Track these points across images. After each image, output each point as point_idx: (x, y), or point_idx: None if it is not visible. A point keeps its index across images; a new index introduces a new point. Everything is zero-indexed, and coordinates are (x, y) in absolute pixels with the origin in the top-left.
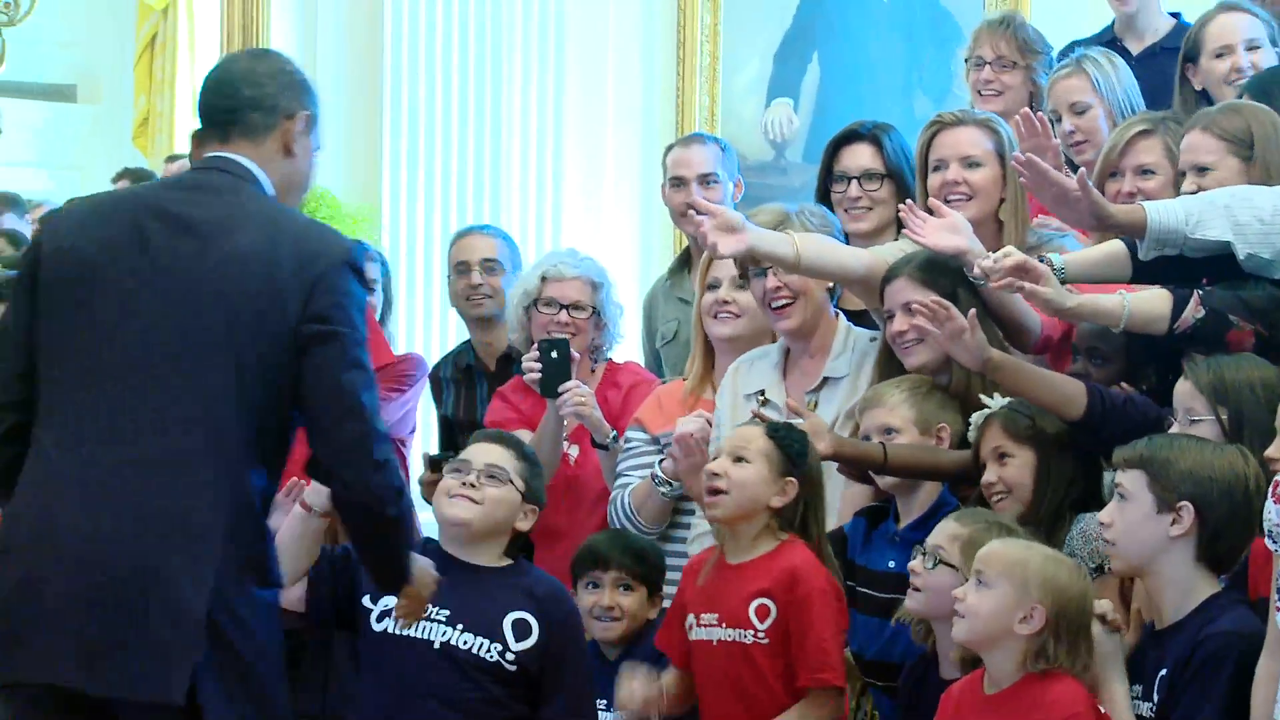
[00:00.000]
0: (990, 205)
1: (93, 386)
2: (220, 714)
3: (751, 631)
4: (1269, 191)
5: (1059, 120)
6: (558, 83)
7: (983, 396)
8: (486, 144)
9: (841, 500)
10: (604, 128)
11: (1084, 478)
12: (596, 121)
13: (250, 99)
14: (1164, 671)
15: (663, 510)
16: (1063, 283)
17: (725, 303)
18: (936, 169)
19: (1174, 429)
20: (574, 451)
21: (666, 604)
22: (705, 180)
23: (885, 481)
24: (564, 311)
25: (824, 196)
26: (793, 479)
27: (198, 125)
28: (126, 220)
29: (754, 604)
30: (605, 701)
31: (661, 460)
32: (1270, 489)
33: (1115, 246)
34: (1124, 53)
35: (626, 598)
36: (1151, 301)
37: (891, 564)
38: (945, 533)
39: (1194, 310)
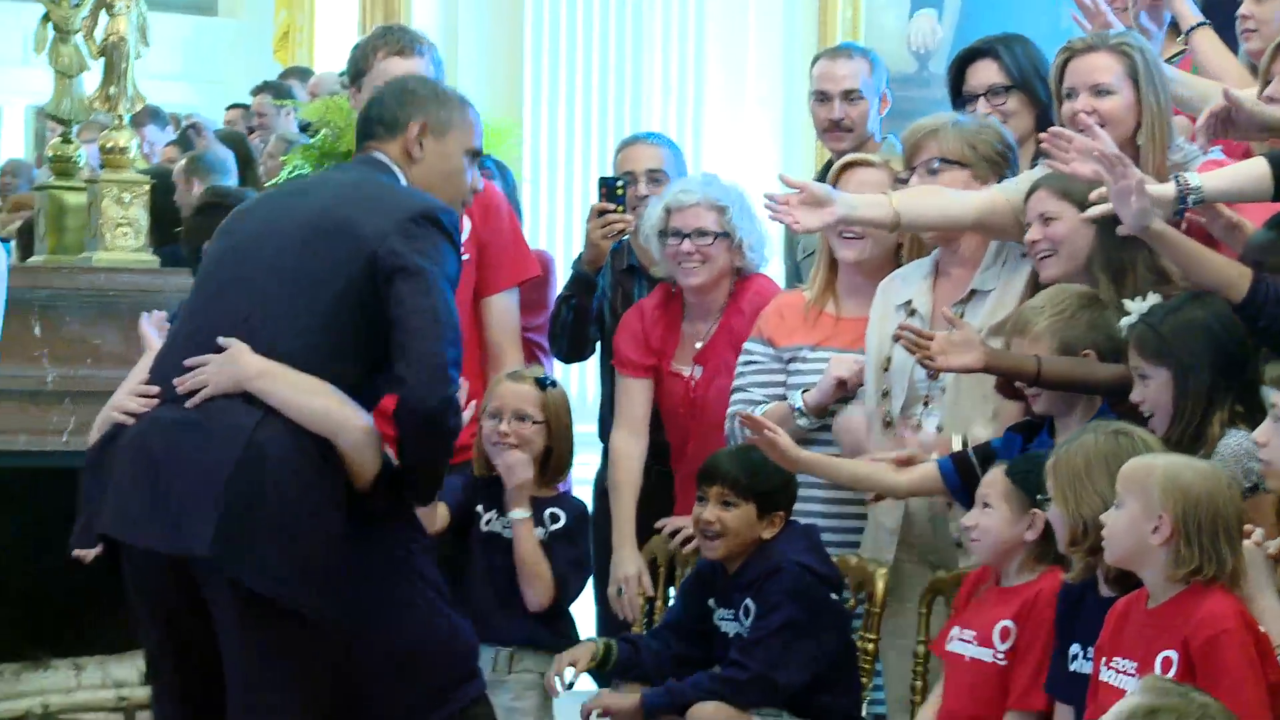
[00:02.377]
0: (1124, 132)
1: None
2: (239, 567)
3: (993, 651)
4: None
5: None
6: None
7: (1125, 302)
8: (627, 57)
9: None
10: (745, 39)
11: (1232, 393)
12: (737, 33)
13: (374, 116)
14: None
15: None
16: (1198, 203)
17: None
18: (1068, 96)
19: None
20: (697, 372)
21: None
22: (848, 96)
23: (1040, 404)
24: (687, 240)
25: None
26: (1038, 511)
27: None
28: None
29: (999, 625)
30: (731, 612)
31: (804, 390)
32: None
33: (1257, 164)
34: None
35: (728, 513)
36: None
37: None
38: (1046, 466)
39: None
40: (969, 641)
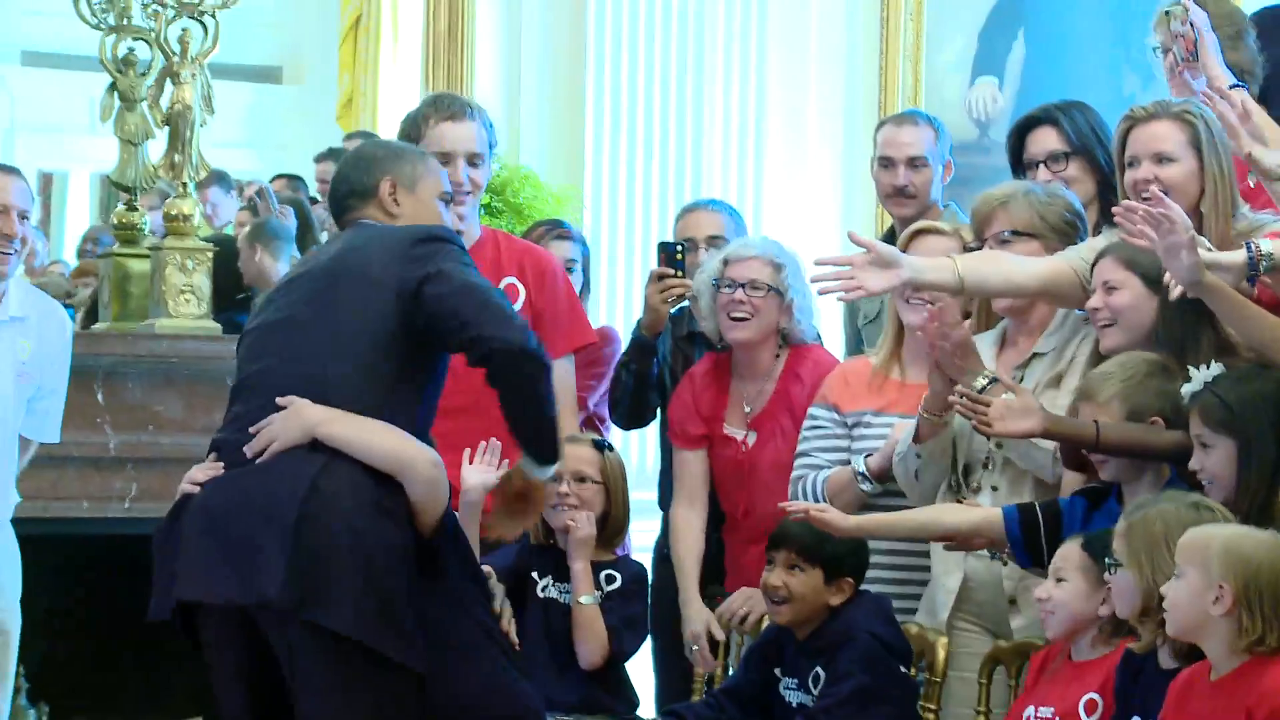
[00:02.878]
0: (1188, 200)
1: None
2: (312, 608)
3: None
4: None
5: None
6: (760, 60)
7: (1190, 369)
8: (689, 123)
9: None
10: (806, 106)
11: None
12: (798, 100)
13: (344, 194)
14: None
15: (858, 502)
16: (1270, 270)
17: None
18: (1131, 165)
19: None
20: (750, 438)
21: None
22: (913, 163)
23: (1107, 471)
24: (740, 290)
25: None
26: (1109, 586)
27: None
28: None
29: (1084, 698)
30: (795, 680)
31: (867, 456)
32: None
33: None
34: None
35: (794, 578)
36: None
37: None
38: (1117, 529)
39: None
40: (1049, 719)
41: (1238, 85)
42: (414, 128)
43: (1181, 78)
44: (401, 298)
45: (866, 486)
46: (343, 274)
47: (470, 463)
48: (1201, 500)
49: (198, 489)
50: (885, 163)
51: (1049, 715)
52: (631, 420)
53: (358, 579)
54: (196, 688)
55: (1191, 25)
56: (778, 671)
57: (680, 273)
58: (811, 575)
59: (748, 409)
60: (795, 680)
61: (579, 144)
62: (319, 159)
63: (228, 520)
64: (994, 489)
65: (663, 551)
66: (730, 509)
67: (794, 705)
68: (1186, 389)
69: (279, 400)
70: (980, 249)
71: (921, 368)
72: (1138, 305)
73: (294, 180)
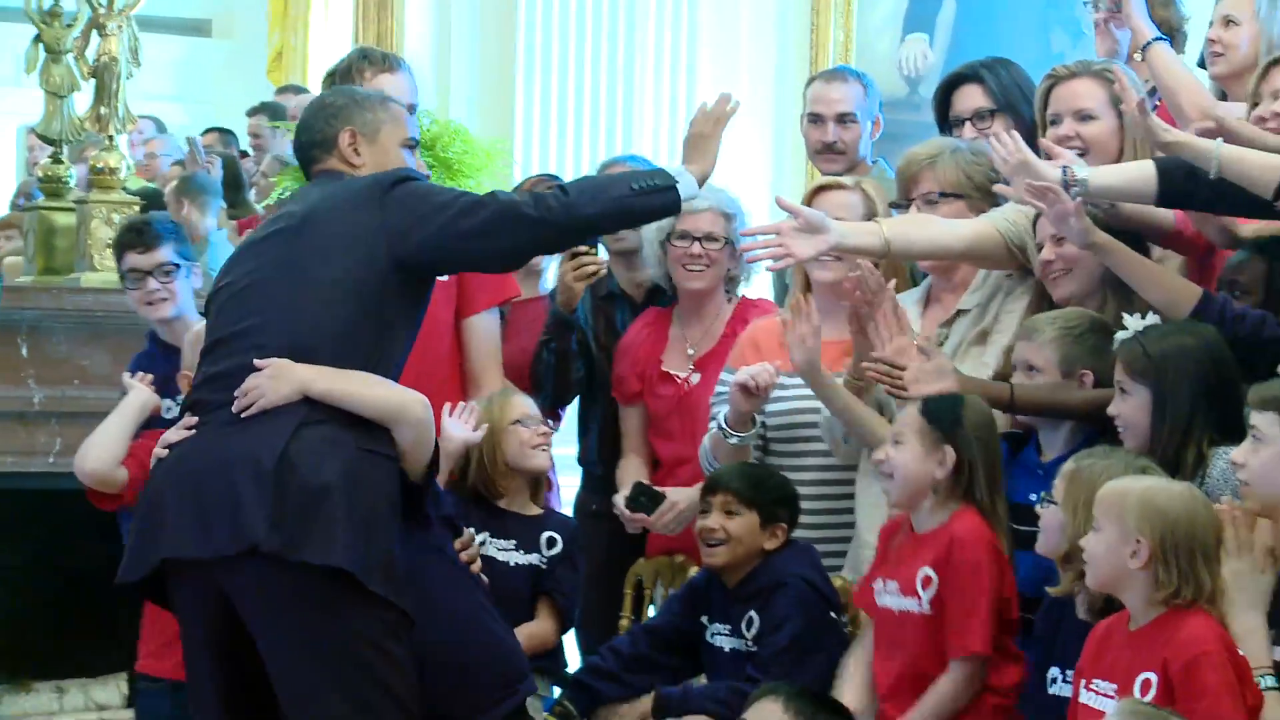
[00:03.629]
0: (1107, 157)
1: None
2: (296, 546)
3: (917, 601)
4: None
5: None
6: (691, 15)
7: (1124, 316)
8: (619, 78)
9: None
10: (738, 63)
11: (1211, 422)
12: (730, 57)
13: (306, 143)
14: None
15: (737, 455)
16: (1081, 195)
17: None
18: (1053, 123)
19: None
20: (695, 378)
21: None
22: (842, 119)
23: (1025, 417)
24: (697, 244)
25: None
26: (949, 448)
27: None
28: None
29: (920, 574)
30: (729, 627)
31: (724, 410)
32: None
33: (1144, 165)
34: None
35: (731, 521)
36: (1263, 163)
37: (1034, 497)
38: (1062, 470)
39: None
40: (893, 594)
41: (1160, 39)
42: (345, 80)
43: (1106, 28)
44: (383, 249)
45: (733, 440)
46: (316, 231)
47: (450, 416)
48: (1150, 465)
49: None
50: (815, 119)
51: (894, 590)
52: (557, 398)
53: (346, 518)
54: (125, 644)
55: None
56: (704, 619)
57: (593, 249)
58: (748, 518)
59: (691, 350)
60: (727, 626)
61: (509, 98)
62: (251, 113)
63: (209, 477)
64: None
65: (586, 508)
66: (665, 454)
67: (726, 650)
68: (1118, 335)
69: (257, 363)
70: (908, 207)
71: (831, 324)
72: (1088, 253)
73: (225, 134)
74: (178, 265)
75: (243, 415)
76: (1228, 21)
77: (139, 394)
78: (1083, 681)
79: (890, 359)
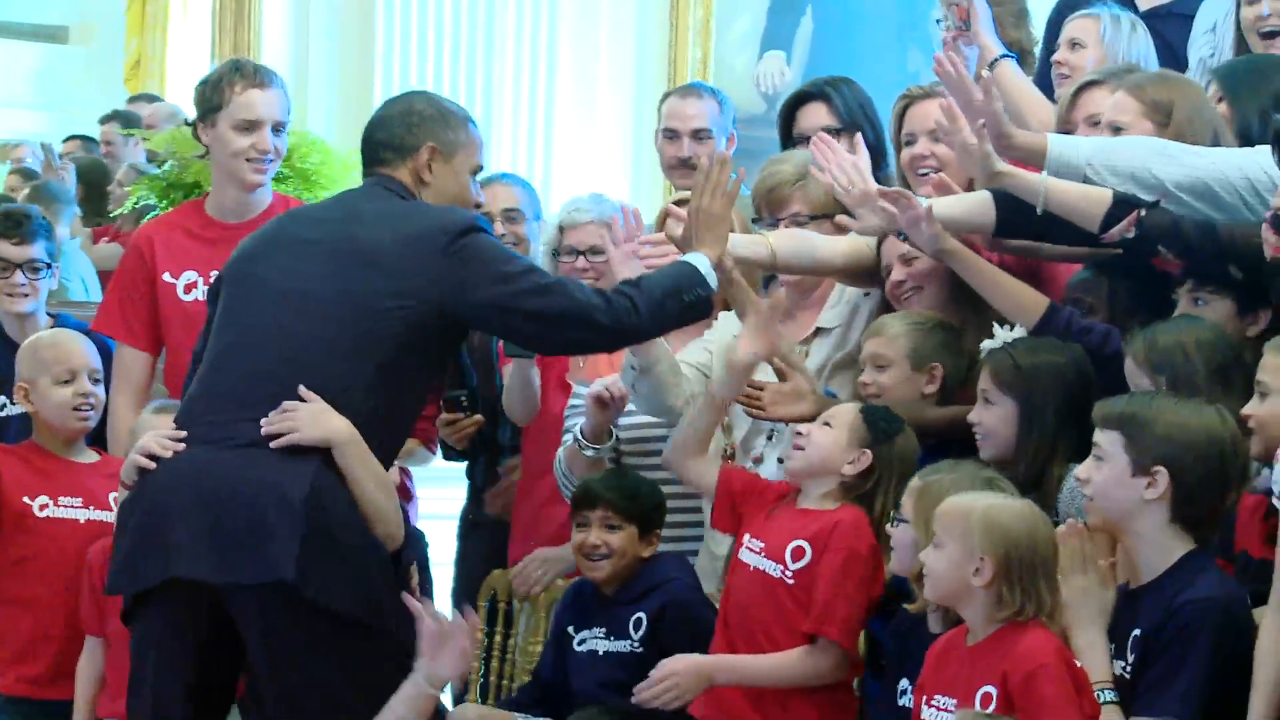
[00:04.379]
0: (961, 175)
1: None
2: (330, 598)
3: (782, 567)
4: (1188, 159)
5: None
6: (550, 32)
7: (995, 325)
8: (479, 92)
9: None
10: (597, 79)
11: (1078, 435)
12: (589, 73)
13: (381, 140)
14: (1137, 631)
15: (593, 468)
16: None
17: None
18: (908, 143)
19: None
20: (581, 388)
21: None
22: (698, 135)
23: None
24: (581, 258)
25: None
26: (867, 451)
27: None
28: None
29: (792, 544)
30: (604, 630)
31: (579, 423)
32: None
33: (982, 196)
34: (1130, 5)
35: (613, 536)
36: (1087, 197)
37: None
38: (909, 487)
39: (1125, 229)
40: (757, 552)
41: (1008, 55)
42: (216, 92)
43: (955, 45)
44: (436, 297)
45: (589, 452)
46: (374, 263)
47: None
48: (995, 477)
49: (154, 465)
50: (670, 134)
51: (758, 549)
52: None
53: (368, 561)
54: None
55: None
56: (571, 629)
57: (468, 413)
58: (628, 531)
59: (581, 363)
60: (603, 629)
61: (368, 110)
62: (103, 120)
63: (229, 501)
64: (780, 461)
65: (469, 519)
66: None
67: (600, 654)
68: (986, 344)
69: (302, 392)
70: (775, 225)
71: (679, 338)
72: (935, 268)
73: (88, 142)
74: (47, 265)
75: (274, 443)
76: (1073, 44)
77: None
78: (924, 698)
79: (752, 382)
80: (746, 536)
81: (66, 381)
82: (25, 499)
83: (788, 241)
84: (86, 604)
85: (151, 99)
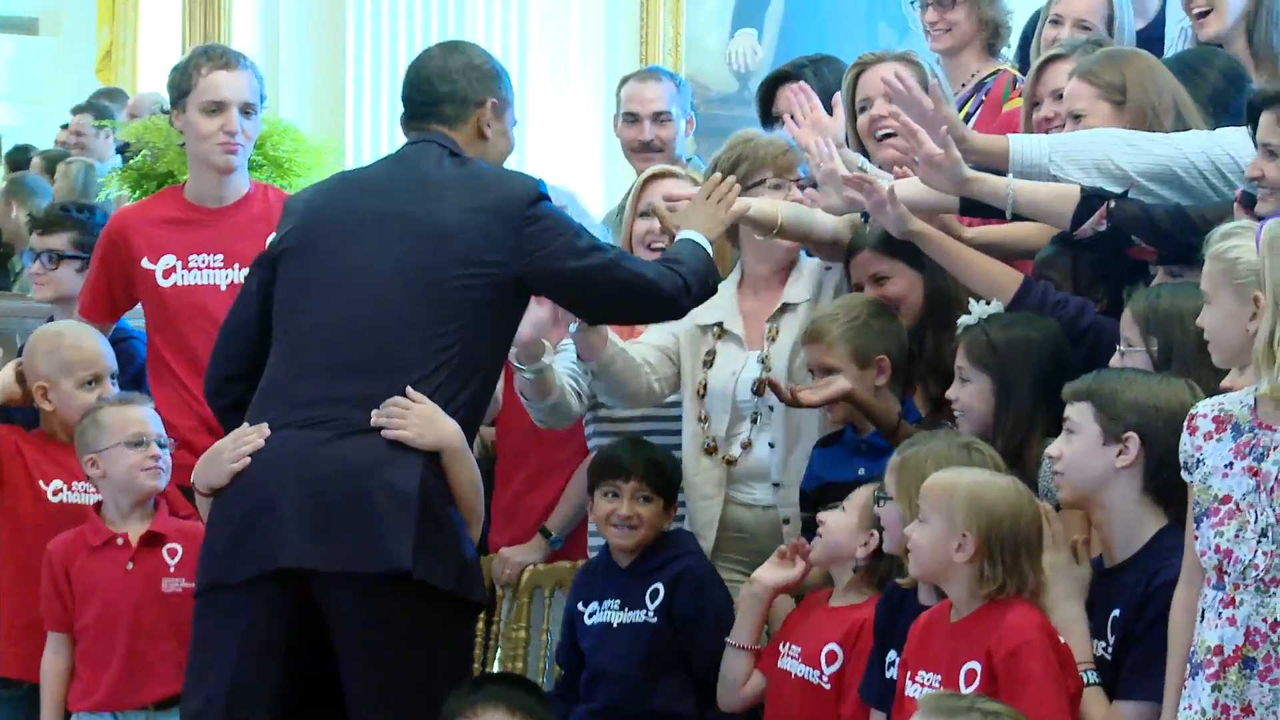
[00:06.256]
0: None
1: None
2: (438, 578)
3: (819, 673)
4: (1146, 148)
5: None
6: (521, 13)
7: (971, 301)
8: None
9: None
10: (568, 60)
11: (1050, 415)
12: (560, 54)
13: (445, 94)
14: (1117, 612)
15: (539, 388)
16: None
17: (663, 232)
18: (863, 109)
19: (1114, 357)
20: None
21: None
22: (658, 118)
23: (836, 414)
24: None
25: None
26: (875, 533)
27: (402, 111)
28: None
29: (826, 648)
30: (618, 601)
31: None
32: (1185, 421)
33: None
34: None
35: (645, 508)
36: (1054, 195)
37: (861, 470)
38: (889, 463)
39: (1097, 223)
40: (795, 659)
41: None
42: (184, 77)
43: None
44: (511, 269)
45: (529, 375)
46: (451, 238)
47: None
48: (973, 442)
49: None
50: (630, 118)
51: (796, 655)
52: None
53: (461, 556)
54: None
55: None
56: (580, 605)
57: None
58: (657, 504)
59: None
60: (617, 600)
61: (339, 97)
62: (75, 112)
63: (338, 489)
64: (771, 445)
65: None
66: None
67: (615, 625)
68: (962, 320)
69: (411, 394)
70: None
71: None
72: (910, 290)
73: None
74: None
75: (385, 433)
76: (1081, 24)
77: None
78: (908, 674)
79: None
80: (784, 644)
81: (90, 384)
82: (41, 483)
83: (792, 211)
84: (48, 599)
85: (114, 93)
